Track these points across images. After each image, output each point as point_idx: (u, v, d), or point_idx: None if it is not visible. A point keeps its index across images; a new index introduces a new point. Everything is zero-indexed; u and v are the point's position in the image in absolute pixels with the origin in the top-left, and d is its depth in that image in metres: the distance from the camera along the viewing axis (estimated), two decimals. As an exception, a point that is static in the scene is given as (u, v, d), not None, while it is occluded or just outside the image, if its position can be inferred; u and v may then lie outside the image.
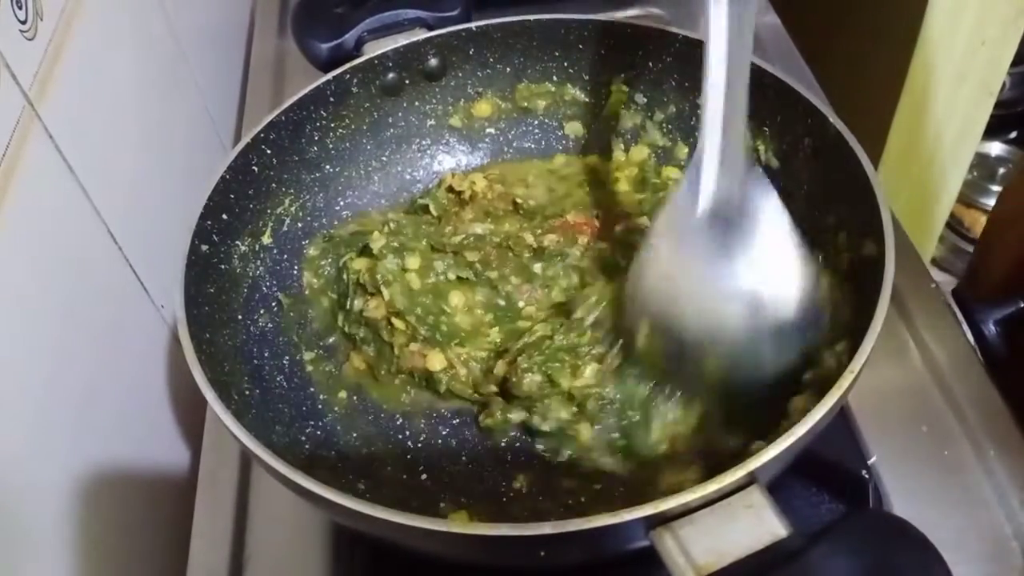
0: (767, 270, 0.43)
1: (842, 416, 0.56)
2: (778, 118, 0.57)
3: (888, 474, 0.54)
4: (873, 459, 0.54)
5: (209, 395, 0.42)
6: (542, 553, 0.38)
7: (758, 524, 0.35)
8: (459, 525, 0.36)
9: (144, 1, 0.73)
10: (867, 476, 0.53)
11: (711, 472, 0.36)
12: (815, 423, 0.38)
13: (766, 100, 0.57)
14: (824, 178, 0.54)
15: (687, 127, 0.64)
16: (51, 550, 0.49)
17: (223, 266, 0.54)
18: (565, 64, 0.66)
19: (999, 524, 0.51)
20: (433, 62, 0.65)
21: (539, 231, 0.61)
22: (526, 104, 0.68)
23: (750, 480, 0.36)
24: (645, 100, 0.65)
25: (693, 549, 0.35)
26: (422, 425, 0.56)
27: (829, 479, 0.53)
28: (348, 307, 0.59)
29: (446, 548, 0.41)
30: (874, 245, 0.46)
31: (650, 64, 0.63)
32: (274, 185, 0.59)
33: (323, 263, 0.62)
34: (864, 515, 0.37)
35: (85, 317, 0.55)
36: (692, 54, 0.60)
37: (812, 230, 0.56)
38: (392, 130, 0.66)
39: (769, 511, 0.36)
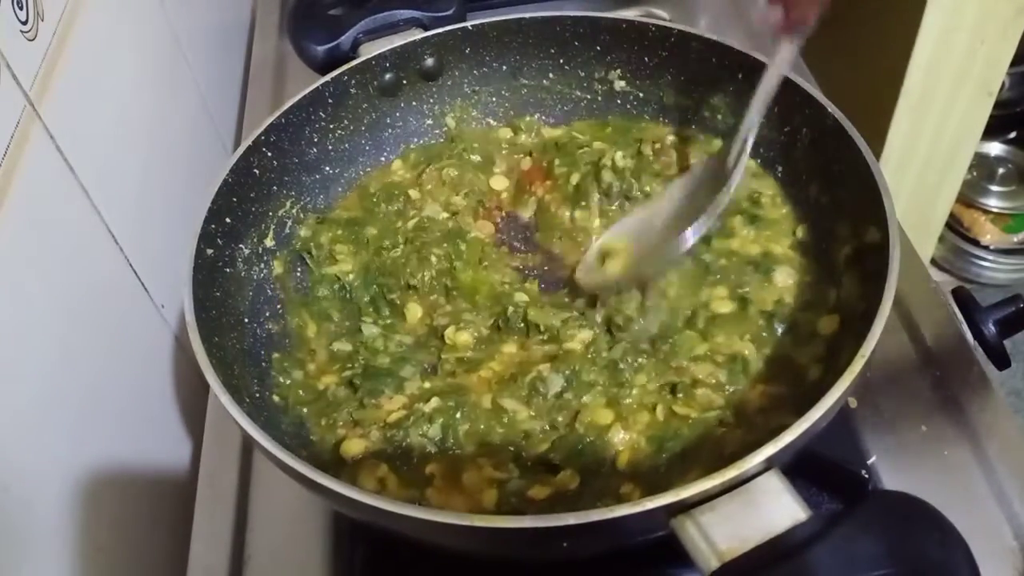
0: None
1: (842, 416, 0.56)
2: (775, 109, 0.57)
3: (888, 474, 0.54)
4: (873, 459, 0.54)
5: (224, 399, 0.42)
6: (564, 544, 0.38)
7: (778, 508, 0.36)
8: (483, 519, 0.36)
9: (144, 1, 0.73)
10: (867, 476, 0.53)
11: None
12: (831, 406, 0.38)
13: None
14: (823, 168, 0.55)
15: (684, 119, 0.64)
16: (51, 550, 0.49)
17: (228, 269, 0.54)
18: (561, 61, 0.66)
19: (999, 524, 0.51)
20: (430, 62, 0.65)
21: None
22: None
23: (767, 466, 0.37)
24: (642, 95, 0.65)
25: (715, 535, 0.35)
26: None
27: (829, 479, 0.53)
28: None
29: (470, 542, 0.41)
30: (877, 231, 0.46)
31: (646, 59, 0.63)
32: (275, 188, 0.59)
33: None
34: (883, 495, 0.38)
35: (85, 317, 0.55)
36: (688, 49, 0.61)
37: (812, 219, 0.56)
38: (390, 130, 0.67)
39: (788, 495, 0.36)
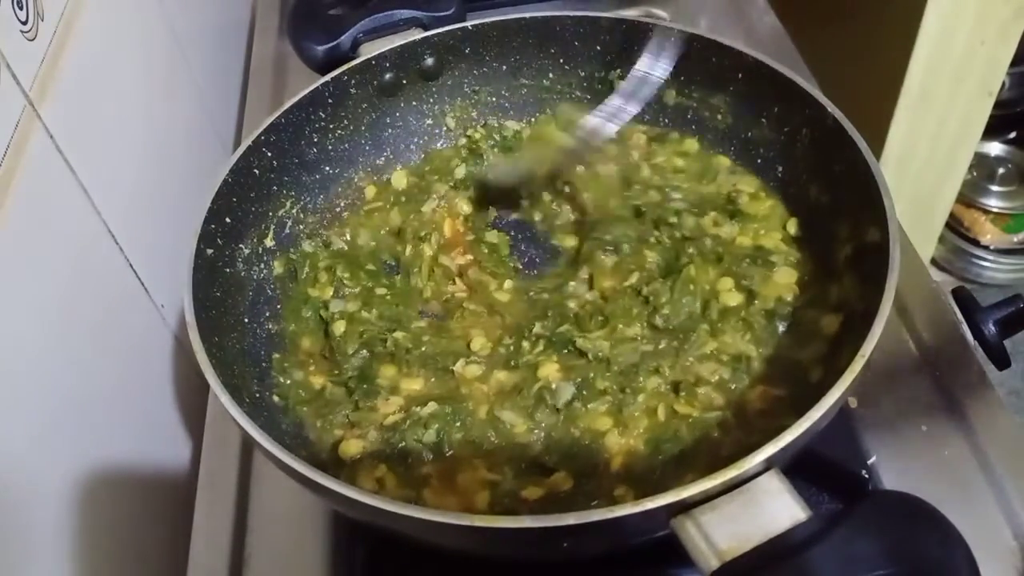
0: None
1: (842, 416, 0.56)
2: (775, 109, 0.57)
3: (888, 474, 0.54)
4: (873, 459, 0.54)
5: (224, 398, 0.42)
6: (564, 544, 0.38)
7: (778, 508, 0.36)
8: (483, 519, 0.36)
9: (144, 1, 0.73)
10: (867, 476, 0.53)
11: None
12: (831, 406, 0.38)
13: (763, 91, 0.58)
14: (823, 168, 0.55)
15: (684, 119, 0.65)
16: (51, 550, 0.49)
17: (228, 269, 0.54)
18: (561, 61, 0.66)
19: (999, 524, 0.51)
20: (430, 62, 0.65)
21: None
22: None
23: (768, 466, 0.37)
24: None
25: (715, 535, 0.35)
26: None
27: (829, 479, 0.53)
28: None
29: (469, 542, 0.41)
30: (877, 231, 0.46)
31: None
32: (275, 188, 0.59)
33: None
34: (883, 495, 0.38)
35: (85, 317, 0.55)
36: (688, 48, 0.60)
37: (811, 219, 0.56)
38: (390, 131, 0.67)
39: (788, 495, 0.36)
